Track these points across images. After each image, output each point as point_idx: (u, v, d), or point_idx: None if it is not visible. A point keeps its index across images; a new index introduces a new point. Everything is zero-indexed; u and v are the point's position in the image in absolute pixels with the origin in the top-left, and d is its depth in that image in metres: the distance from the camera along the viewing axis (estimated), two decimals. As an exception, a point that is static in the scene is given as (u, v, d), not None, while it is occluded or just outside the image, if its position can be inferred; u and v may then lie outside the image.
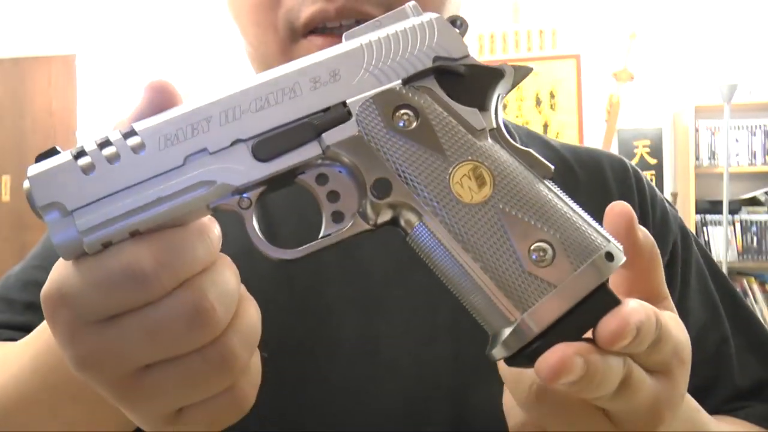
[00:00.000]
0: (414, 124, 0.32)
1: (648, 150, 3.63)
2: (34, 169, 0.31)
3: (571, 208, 0.32)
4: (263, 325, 0.34)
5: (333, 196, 0.33)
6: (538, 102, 3.72)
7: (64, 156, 0.31)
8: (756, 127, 3.42)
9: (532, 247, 0.31)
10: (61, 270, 0.31)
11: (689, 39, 3.52)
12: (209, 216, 0.33)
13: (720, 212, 3.25)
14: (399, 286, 0.56)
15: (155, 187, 0.31)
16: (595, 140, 3.66)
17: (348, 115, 0.33)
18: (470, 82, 0.33)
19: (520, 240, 0.31)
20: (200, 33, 3.83)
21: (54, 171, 0.31)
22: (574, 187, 0.62)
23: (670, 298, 0.37)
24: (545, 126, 3.71)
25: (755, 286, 3.37)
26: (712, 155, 3.43)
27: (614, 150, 3.64)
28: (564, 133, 3.68)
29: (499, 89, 0.34)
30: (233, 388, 0.33)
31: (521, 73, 0.35)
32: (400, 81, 0.33)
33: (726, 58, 3.43)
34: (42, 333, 0.44)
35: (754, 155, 3.42)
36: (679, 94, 3.53)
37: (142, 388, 0.31)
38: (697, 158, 3.41)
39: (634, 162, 3.65)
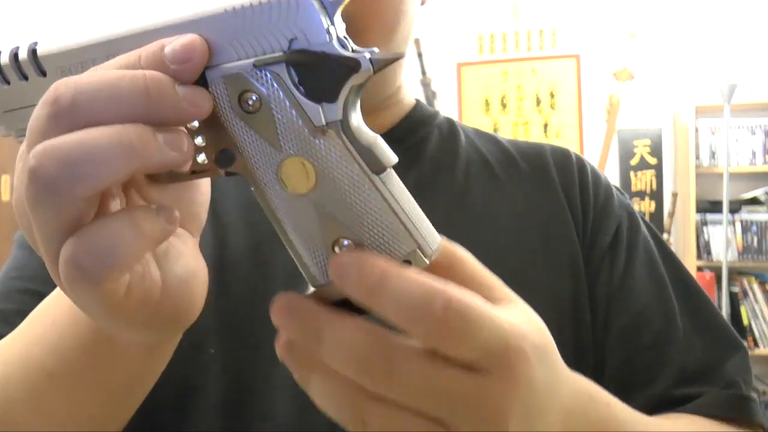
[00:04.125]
0: (258, 110, 0.33)
1: (648, 150, 3.63)
2: None
3: (392, 209, 0.33)
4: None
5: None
6: (538, 102, 3.72)
7: None
8: (756, 127, 3.42)
9: (336, 242, 0.33)
10: None
11: (689, 39, 3.53)
12: None
13: (720, 212, 3.25)
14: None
15: None
16: (595, 140, 3.66)
17: (204, 87, 0.33)
18: (321, 73, 0.32)
19: (330, 234, 0.33)
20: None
21: None
22: (518, 178, 0.69)
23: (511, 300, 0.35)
24: (545, 126, 3.71)
25: (755, 286, 3.37)
26: (713, 155, 3.43)
27: (614, 150, 3.65)
28: (564, 133, 3.68)
29: (353, 81, 0.33)
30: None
31: (383, 61, 0.33)
32: (252, 62, 0.33)
33: (726, 58, 3.43)
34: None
35: (754, 155, 3.42)
36: (679, 94, 3.54)
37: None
38: (697, 158, 3.41)
39: (634, 162, 3.67)
